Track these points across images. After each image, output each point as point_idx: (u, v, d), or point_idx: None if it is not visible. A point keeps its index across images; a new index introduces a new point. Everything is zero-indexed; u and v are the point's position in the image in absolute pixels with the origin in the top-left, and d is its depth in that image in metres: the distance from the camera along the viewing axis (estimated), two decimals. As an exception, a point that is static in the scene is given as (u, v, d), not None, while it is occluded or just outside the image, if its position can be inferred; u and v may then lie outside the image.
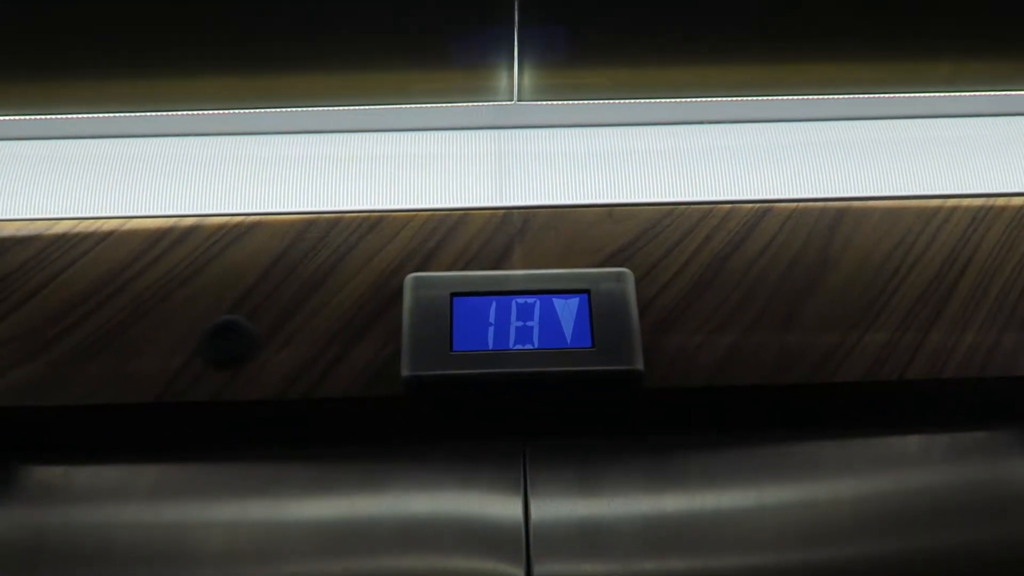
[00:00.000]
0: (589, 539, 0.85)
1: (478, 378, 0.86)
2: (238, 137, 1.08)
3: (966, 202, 1.00)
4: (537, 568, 0.83)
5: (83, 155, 1.06)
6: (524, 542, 0.85)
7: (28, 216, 1.00)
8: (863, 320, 0.92)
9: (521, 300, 0.90)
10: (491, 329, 0.88)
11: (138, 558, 0.84)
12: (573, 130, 1.09)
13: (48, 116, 1.06)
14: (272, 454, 0.91)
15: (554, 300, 0.90)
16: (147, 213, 1.00)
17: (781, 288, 0.94)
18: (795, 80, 1.06)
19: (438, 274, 0.92)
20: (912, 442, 0.93)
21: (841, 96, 1.09)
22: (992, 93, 1.10)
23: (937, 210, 0.99)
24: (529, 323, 0.89)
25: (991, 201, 0.99)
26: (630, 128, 1.09)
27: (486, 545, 0.85)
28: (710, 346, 0.91)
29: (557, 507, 0.87)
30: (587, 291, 0.90)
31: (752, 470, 0.90)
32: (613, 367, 0.86)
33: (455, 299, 0.90)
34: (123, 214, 1.00)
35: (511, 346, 0.88)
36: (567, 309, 0.90)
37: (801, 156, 1.07)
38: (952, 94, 1.10)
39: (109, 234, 0.96)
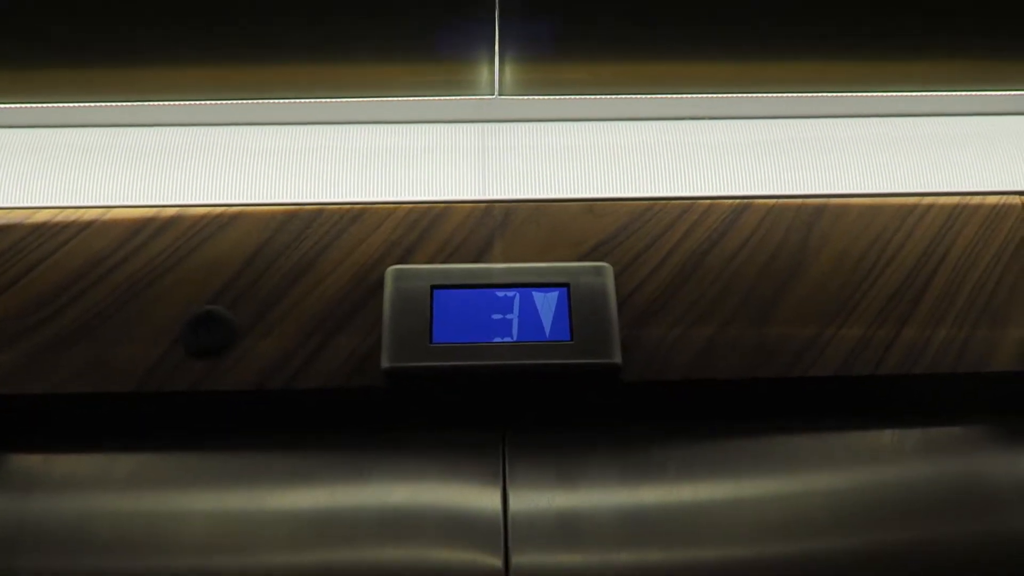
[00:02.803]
0: (567, 529, 0.86)
1: (457, 370, 0.87)
2: (220, 128, 1.07)
3: (942, 200, 1.00)
4: (515, 558, 0.83)
5: (65, 144, 1.05)
6: (503, 532, 0.85)
7: (8, 205, 0.99)
8: (838, 315, 0.93)
9: (501, 293, 0.90)
10: (471, 321, 0.88)
11: (118, 546, 0.84)
12: (554, 124, 1.09)
13: (30, 105, 1.05)
14: (252, 443, 0.91)
15: (534, 293, 0.90)
16: (129, 203, 0.99)
17: (759, 283, 0.94)
18: (776, 77, 1.06)
19: (419, 266, 0.92)
20: (886, 436, 0.94)
21: (821, 94, 1.09)
22: (969, 93, 1.11)
23: (913, 208, 0.99)
24: (508, 316, 0.89)
25: (966, 199, 1.00)
26: (611, 123, 1.09)
27: (465, 535, 0.85)
28: (688, 340, 0.91)
29: (536, 497, 0.88)
30: (566, 285, 0.91)
31: (729, 462, 0.91)
32: (591, 360, 0.87)
33: (435, 291, 0.90)
34: (104, 203, 0.99)
35: (490, 339, 0.88)
36: (546, 302, 0.90)
37: (781, 153, 1.07)
38: (930, 93, 1.11)
39: (90, 223, 0.95)
